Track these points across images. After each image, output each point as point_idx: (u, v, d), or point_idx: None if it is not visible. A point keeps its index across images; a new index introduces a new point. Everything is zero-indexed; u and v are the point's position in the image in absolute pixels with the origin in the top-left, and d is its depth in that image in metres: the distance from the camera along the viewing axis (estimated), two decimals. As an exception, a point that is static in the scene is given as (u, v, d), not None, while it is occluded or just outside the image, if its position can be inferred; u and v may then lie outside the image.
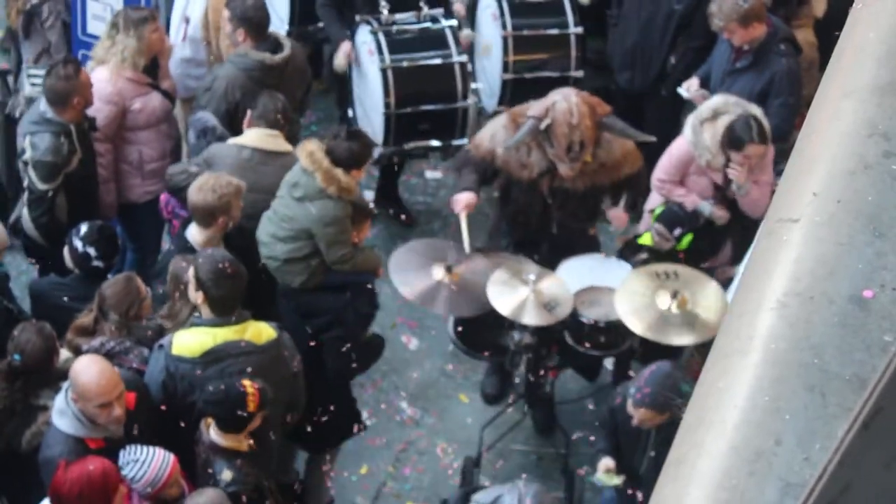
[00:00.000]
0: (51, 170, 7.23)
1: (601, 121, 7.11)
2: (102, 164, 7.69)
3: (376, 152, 8.29)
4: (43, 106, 7.30)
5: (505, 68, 8.85)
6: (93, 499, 5.42)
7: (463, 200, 7.35)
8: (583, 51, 8.90)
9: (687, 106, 8.48)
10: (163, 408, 6.08)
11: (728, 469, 2.72)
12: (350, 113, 8.82)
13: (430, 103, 8.40)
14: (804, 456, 2.68)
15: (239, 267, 6.21)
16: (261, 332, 6.24)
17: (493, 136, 7.33)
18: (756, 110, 7.44)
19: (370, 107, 8.57)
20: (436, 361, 8.44)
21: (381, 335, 7.52)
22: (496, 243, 7.72)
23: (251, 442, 5.97)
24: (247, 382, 5.82)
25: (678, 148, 7.73)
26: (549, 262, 7.38)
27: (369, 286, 7.25)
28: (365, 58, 8.54)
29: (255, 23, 7.79)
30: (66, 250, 6.80)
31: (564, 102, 7.01)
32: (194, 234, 6.79)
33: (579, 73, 8.84)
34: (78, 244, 6.73)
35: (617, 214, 7.58)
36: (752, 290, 3.20)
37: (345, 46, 8.58)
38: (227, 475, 5.70)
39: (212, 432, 5.90)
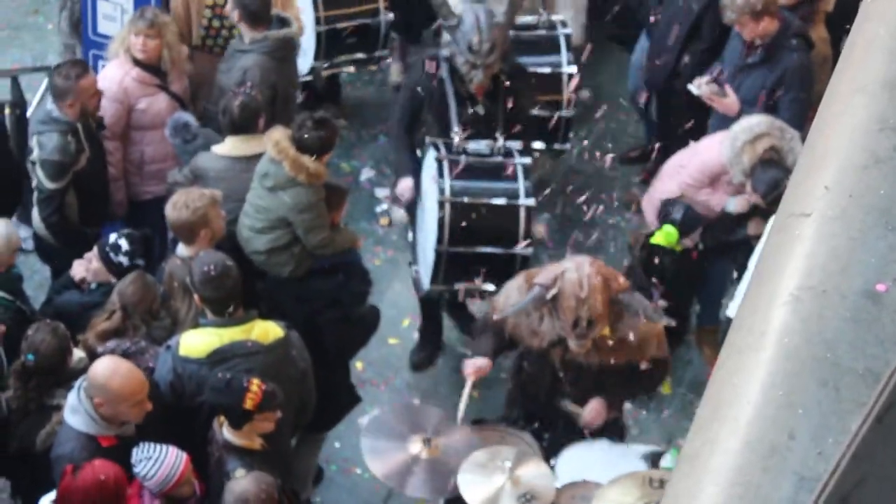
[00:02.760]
0: (59, 169, 7.25)
1: (616, 297, 6.37)
2: (111, 163, 7.73)
3: (424, 287, 7.76)
4: (50, 105, 7.35)
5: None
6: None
7: (473, 365, 6.69)
8: (576, 90, 8.61)
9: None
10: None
11: (742, 464, 2.72)
12: (410, 236, 8.22)
13: (487, 245, 7.51)
14: (818, 450, 2.68)
15: (227, 267, 6.21)
16: (268, 331, 6.24)
17: (507, 298, 6.66)
18: (797, 144, 7.31)
19: (424, 237, 7.88)
20: (447, 359, 8.44)
21: (377, 307, 7.48)
22: (511, 413, 7.01)
23: (263, 442, 5.98)
24: (255, 380, 5.82)
25: (712, 159, 7.65)
26: (562, 444, 6.67)
27: (360, 264, 7.28)
28: (427, 184, 7.73)
29: (250, 10, 7.86)
30: (100, 262, 6.76)
31: (575, 273, 6.32)
32: (182, 251, 6.80)
33: (570, 113, 8.53)
34: (124, 260, 6.72)
35: (595, 408, 6.67)
36: (764, 285, 3.20)
37: (405, 183, 7.82)
38: (240, 473, 5.70)
39: (224, 430, 5.91)
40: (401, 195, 7.86)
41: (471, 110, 7.66)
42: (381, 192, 9.59)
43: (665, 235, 7.67)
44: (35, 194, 7.39)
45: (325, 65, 9.03)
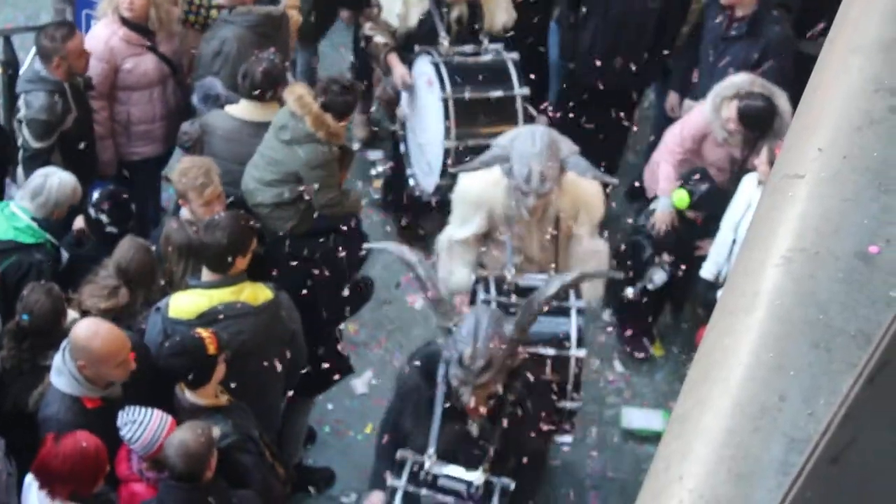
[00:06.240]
0: (44, 128, 7.25)
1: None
2: (98, 122, 7.74)
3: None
4: (38, 64, 7.32)
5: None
6: (83, 475, 5.45)
7: None
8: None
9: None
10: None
11: (733, 426, 2.72)
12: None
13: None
14: (809, 412, 2.68)
15: (229, 218, 6.20)
16: (257, 293, 6.23)
17: None
18: (782, 101, 7.37)
19: None
20: (441, 321, 8.43)
21: (371, 278, 7.47)
22: None
23: (228, 397, 5.96)
24: (199, 329, 5.82)
25: (695, 122, 7.69)
26: None
27: (359, 229, 7.26)
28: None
29: None
30: (81, 217, 6.80)
31: None
32: (185, 214, 6.78)
33: (574, 405, 6.72)
34: (91, 211, 6.73)
35: None
36: (756, 246, 3.19)
37: (374, 498, 6.30)
38: (215, 432, 5.67)
39: (188, 395, 5.88)
40: None
41: (459, 427, 6.01)
42: (374, 155, 9.59)
43: (677, 198, 7.68)
44: (20, 153, 7.37)
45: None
